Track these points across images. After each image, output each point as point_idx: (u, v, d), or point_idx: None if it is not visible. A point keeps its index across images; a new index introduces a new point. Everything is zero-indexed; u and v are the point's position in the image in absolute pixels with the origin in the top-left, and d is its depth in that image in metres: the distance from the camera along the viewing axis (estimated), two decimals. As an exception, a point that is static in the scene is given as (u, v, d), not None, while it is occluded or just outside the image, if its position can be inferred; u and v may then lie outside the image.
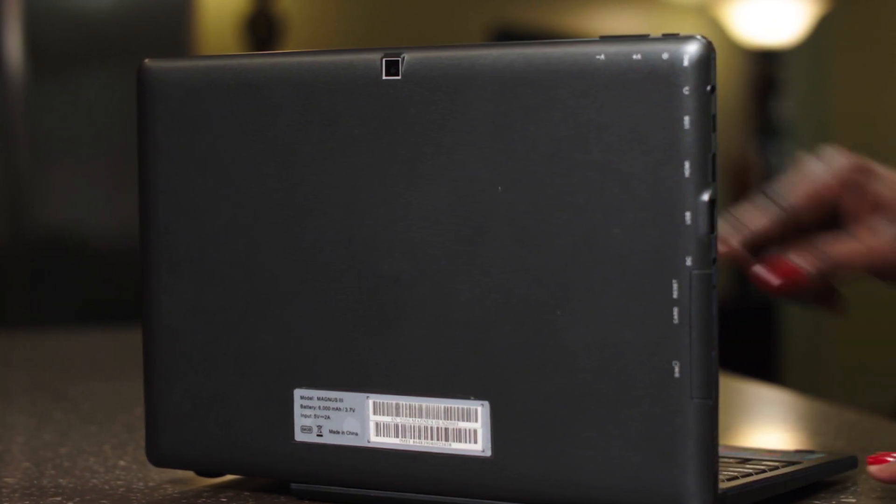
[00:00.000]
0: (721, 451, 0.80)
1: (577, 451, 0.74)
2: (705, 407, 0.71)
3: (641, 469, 0.72)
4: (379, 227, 0.78)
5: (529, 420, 0.75)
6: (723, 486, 0.77)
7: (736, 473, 0.81)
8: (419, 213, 0.77)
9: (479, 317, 0.76)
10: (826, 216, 0.86)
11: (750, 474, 0.82)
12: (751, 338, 4.75)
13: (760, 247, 0.85)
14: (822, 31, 5.39)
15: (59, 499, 0.85)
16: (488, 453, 0.76)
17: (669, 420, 0.71)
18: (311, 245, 0.80)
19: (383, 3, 4.66)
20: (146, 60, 0.84)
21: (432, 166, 0.76)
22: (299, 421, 0.81)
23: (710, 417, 0.71)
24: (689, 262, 0.71)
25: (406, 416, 0.78)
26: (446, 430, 0.77)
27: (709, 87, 0.71)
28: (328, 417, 0.80)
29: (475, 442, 0.77)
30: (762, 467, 0.84)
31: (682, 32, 0.73)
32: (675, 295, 0.71)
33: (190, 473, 0.89)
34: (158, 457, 0.85)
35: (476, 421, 0.76)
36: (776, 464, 0.86)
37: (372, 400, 0.79)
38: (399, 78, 0.77)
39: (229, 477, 0.89)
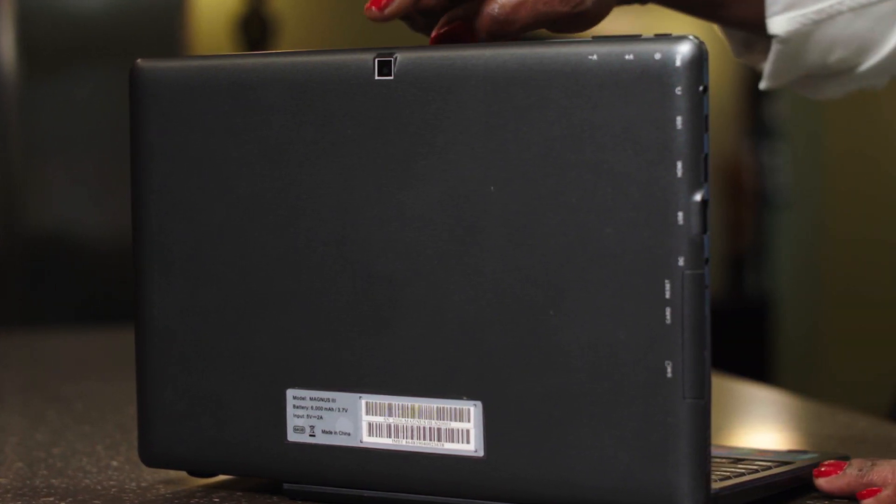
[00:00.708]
0: (714, 451, 0.80)
1: (569, 451, 0.74)
2: (698, 407, 0.71)
3: (634, 469, 0.72)
4: (372, 227, 0.78)
5: (522, 420, 0.75)
6: (715, 485, 0.77)
7: (729, 473, 0.81)
8: (412, 213, 0.77)
9: (472, 317, 0.76)
10: None
11: (743, 474, 0.82)
12: (744, 338, 4.75)
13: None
14: (816, 32, 5.38)
15: (51, 499, 0.85)
16: (481, 453, 0.76)
17: (662, 420, 0.71)
18: (304, 245, 0.80)
19: (377, 3, 4.65)
20: (139, 60, 0.84)
21: (425, 166, 0.76)
22: (292, 421, 0.81)
23: (703, 417, 0.71)
24: (681, 262, 0.71)
25: (399, 417, 0.78)
26: (439, 430, 0.77)
27: (701, 88, 0.71)
28: (321, 418, 0.80)
29: (468, 442, 0.77)
30: (755, 467, 0.84)
31: (675, 33, 0.73)
32: (667, 295, 0.71)
33: (182, 473, 0.89)
34: (151, 457, 0.85)
35: (469, 421, 0.76)
36: (769, 464, 0.86)
37: (365, 400, 0.79)
38: (392, 78, 0.77)
39: (222, 477, 0.89)
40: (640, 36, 0.72)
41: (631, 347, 0.72)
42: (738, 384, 1.47)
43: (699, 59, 0.71)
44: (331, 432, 0.80)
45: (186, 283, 0.83)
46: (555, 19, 0.81)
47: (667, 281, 0.71)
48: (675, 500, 0.71)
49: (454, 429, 0.77)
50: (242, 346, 0.82)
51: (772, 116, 5.39)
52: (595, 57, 0.72)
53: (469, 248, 0.76)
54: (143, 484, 0.89)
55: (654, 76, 0.71)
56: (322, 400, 0.80)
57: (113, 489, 0.88)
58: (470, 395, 0.76)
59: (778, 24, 0.92)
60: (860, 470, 0.82)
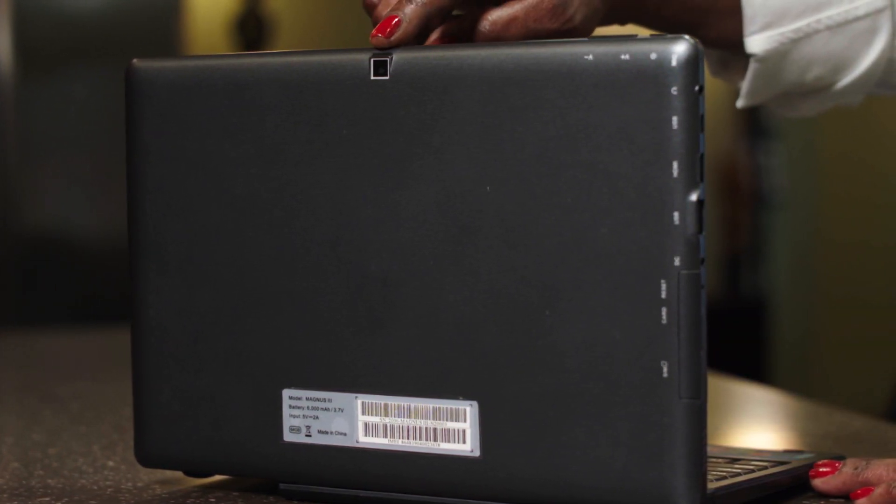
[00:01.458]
0: (710, 451, 0.80)
1: (565, 451, 0.74)
2: (694, 407, 0.71)
3: (630, 469, 0.72)
4: (367, 228, 0.78)
5: (518, 420, 0.75)
6: (711, 485, 0.77)
7: (725, 473, 0.82)
8: (408, 214, 0.77)
9: (468, 317, 0.76)
10: None
11: (739, 474, 0.82)
12: (740, 337, 4.75)
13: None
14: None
15: (47, 499, 0.85)
16: (477, 453, 0.76)
17: (658, 420, 0.71)
18: (299, 245, 0.80)
19: (373, 3, 4.65)
20: (134, 60, 0.84)
21: (421, 166, 0.76)
22: (288, 421, 0.81)
23: (699, 417, 0.71)
24: (677, 262, 0.71)
25: (395, 417, 0.78)
26: (435, 430, 0.77)
27: (697, 87, 0.71)
28: (317, 418, 0.80)
29: (464, 442, 0.77)
30: (751, 467, 0.84)
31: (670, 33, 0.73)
32: (663, 295, 0.71)
33: (179, 474, 0.89)
34: (147, 457, 0.85)
35: (465, 421, 0.76)
36: (765, 464, 0.86)
37: (360, 400, 0.79)
38: (387, 78, 0.77)
39: (218, 477, 0.89)
40: (636, 36, 0.72)
41: (627, 347, 0.72)
42: (734, 384, 1.47)
43: (695, 59, 0.71)
44: (327, 432, 0.80)
45: (182, 283, 0.83)
46: (545, 36, 0.82)
47: (662, 281, 0.71)
48: (671, 500, 0.71)
49: (450, 429, 0.77)
50: (238, 346, 0.82)
51: (768, 117, 5.39)
52: (591, 57, 0.73)
53: (465, 248, 0.76)
54: (140, 484, 0.89)
55: (650, 76, 0.71)
56: (318, 400, 0.80)
57: (109, 489, 0.88)
58: (466, 396, 0.76)
59: (756, 43, 0.92)
60: (855, 469, 0.82)
